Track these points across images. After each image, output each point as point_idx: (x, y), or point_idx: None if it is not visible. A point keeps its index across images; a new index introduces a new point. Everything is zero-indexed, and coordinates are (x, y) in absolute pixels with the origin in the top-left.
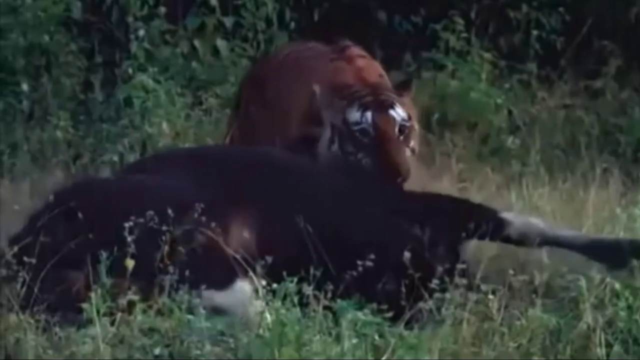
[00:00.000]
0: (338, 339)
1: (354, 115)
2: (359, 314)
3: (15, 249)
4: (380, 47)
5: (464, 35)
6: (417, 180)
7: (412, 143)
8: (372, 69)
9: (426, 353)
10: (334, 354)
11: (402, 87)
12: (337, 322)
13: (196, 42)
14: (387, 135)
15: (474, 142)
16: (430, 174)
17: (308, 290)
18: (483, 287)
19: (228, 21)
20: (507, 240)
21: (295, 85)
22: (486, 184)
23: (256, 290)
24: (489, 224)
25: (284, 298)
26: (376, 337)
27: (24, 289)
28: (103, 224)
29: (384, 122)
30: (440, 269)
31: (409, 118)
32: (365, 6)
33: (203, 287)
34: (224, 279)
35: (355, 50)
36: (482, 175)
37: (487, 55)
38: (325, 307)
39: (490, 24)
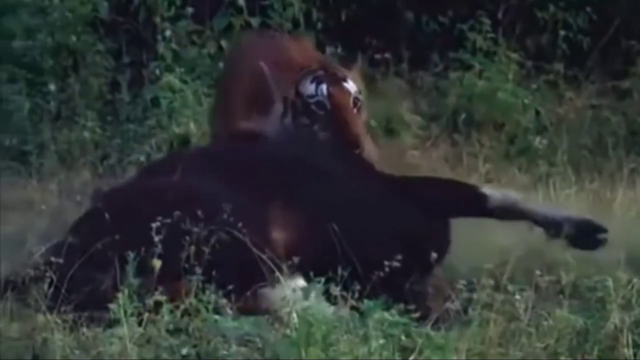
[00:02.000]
0: (365, 339)
1: (309, 87)
2: (386, 314)
3: (43, 249)
4: (407, 48)
5: (491, 35)
6: None
7: (364, 116)
8: (311, 48)
9: (453, 353)
10: (361, 354)
11: (348, 62)
12: (364, 323)
13: (223, 43)
14: (344, 107)
15: (501, 142)
16: (457, 174)
17: (335, 290)
18: (510, 288)
19: (255, 21)
20: (488, 214)
21: (238, 72)
22: (513, 184)
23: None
24: (470, 200)
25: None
26: (403, 337)
27: (52, 289)
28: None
29: (339, 94)
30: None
31: (360, 92)
32: (392, 6)
33: (257, 286)
34: (273, 277)
35: (292, 36)
36: (509, 176)
37: (515, 56)
38: (353, 307)
39: (518, 24)
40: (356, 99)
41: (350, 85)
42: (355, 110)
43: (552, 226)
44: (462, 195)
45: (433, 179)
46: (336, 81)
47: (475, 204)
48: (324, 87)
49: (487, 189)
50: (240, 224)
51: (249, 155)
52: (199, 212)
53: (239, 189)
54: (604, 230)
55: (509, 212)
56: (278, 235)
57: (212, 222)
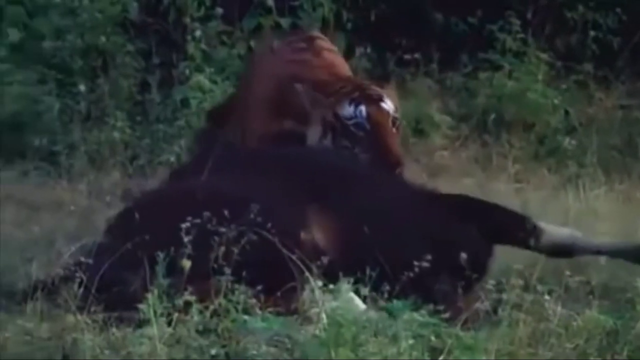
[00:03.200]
0: (394, 339)
1: (347, 109)
2: (416, 315)
3: (73, 249)
4: (437, 48)
5: (521, 35)
6: (473, 181)
7: (401, 134)
8: (341, 63)
9: (482, 354)
10: (390, 355)
11: (382, 80)
12: (393, 323)
13: (252, 43)
14: (384, 127)
15: (530, 142)
16: (487, 174)
17: (364, 290)
18: (539, 288)
19: (285, 22)
20: (542, 249)
21: (259, 77)
22: (542, 184)
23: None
24: (525, 230)
25: (341, 299)
26: (432, 337)
27: (82, 289)
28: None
29: (378, 114)
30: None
31: (396, 110)
32: (421, 7)
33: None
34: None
35: (323, 43)
36: (538, 176)
37: (544, 56)
38: (382, 308)
39: (547, 24)
40: (394, 118)
41: (388, 105)
42: (394, 130)
43: (615, 255)
44: (517, 226)
45: (491, 204)
46: (374, 102)
47: (529, 238)
48: (362, 108)
49: (542, 223)
50: (270, 225)
51: (282, 156)
52: (228, 213)
53: (272, 190)
54: None
55: (562, 251)
56: (309, 236)
57: (242, 223)
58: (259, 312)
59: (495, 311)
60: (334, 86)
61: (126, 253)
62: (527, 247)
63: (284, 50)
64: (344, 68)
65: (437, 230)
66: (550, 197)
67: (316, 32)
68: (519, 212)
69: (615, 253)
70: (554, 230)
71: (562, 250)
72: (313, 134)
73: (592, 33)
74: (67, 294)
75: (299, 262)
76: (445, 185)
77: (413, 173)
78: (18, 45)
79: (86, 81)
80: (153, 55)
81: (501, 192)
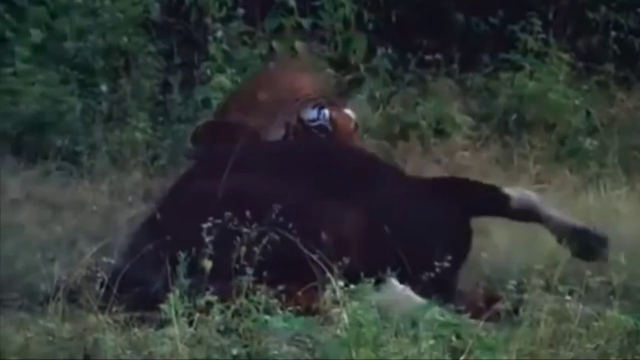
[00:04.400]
0: (415, 339)
1: (310, 112)
2: (437, 315)
3: (95, 249)
4: (458, 48)
5: (542, 36)
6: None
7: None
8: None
9: (503, 354)
10: (411, 355)
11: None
12: (414, 323)
13: (274, 44)
14: (346, 129)
15: (551, 143)
16: (508, 175)
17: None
18: (560, 288)
19: (306, 22)
20: (509, 215)
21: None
22: (564, 185)
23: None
24: (492, 199)
25: (362, 299)
26: (453, 338)
27: (103, 289)
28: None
29: (341, 117)
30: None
31: (357, 126)
32: (442, 7)
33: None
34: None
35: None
36: (559, 177)
37: (565, 56)
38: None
39: (569, 25)
40: (356, 124)
41: (350, 112)
42: (355, 135)
43: (561, 236)
44: (485, 196)
45: (455, 179)
46: (337, 107)
47: (498, 205)
48: (326, 111)
49: (508, 190)
50: (291, 224)
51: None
52: (251, 213)
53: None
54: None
55: (527, 215)
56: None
57: (264, 222)
58: (280, 312)
59: (516, 311)
60: (299, 94)
61: (161, 251)
62: (500, 215)
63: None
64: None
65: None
66: (571, 197)
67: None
68: (489, 183)
69: (572, 232)
70: (522, 195)
71: (529, 216)
72: (275, 137)
73: (613, 34)
74: (89, 294)
75: (320, 262)
76: None
77: (434, 173)
78: (40, 45)
79: (108, 81)
80: (174, 56)
81: None
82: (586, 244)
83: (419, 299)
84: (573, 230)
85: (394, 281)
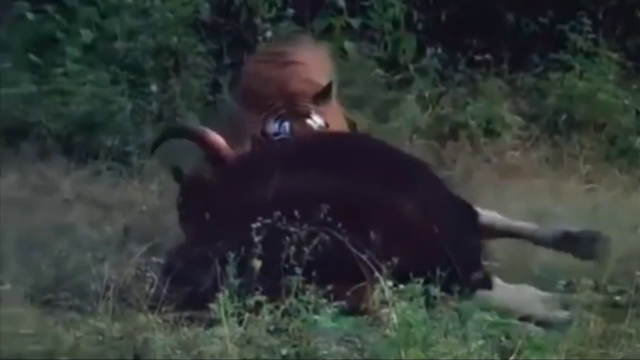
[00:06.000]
0: (464, 340)
1: (272, 126)
2: (486, 315)
3: (145, 249)
4: (507, 48)
5: (592, 36)
6: (544, 181)
7: None
8: (298, 75)
9: (553, 354)
10: (460, 355)
11: (320, 96)
12: (463, 323)
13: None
14: None
15: (601, 143)
16: (558, 175)
17: (435, 291)
18: (610, 289)
19: (355, 23)
20: (478, 232)
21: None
22: (614, 185)
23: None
24: (465, 216)
25: (411, 299)
26: (502, 338)
27: (153, 289)
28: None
29: (301, 130)
30: None
31: (327, 125)
32: (492, 7)
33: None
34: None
35: (293, 56)
36: (609, 176)
37: (615, 56)
38: (452, 308)
39: (618, 24)
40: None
41: (315, 121)
42: None
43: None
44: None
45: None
46: (300, 117)
47: (469, 221)
48: (286, 124)
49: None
50: (340, 224)
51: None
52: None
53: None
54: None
55: (494, 231)
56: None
57: (313, 222)
58: (329, 311)
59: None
60: (267, 102)
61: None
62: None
63: (252, 62)
64: (297, 81)
65: None
66: (621, 197)
67: (304, 41)
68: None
69: (536, 239)
70: (485, 212)
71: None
72: (244, 150)
73: None
74: (139, 294)
75: (369, 262)
76: (516, 186)
77: (484, 173)
78: (91, 45)
79: (158, 81)
80: (224, 56)
81: (572, 192)
82: (576, 246)
83: (540, 294)
84: (556, 237)
85: (500, 281)
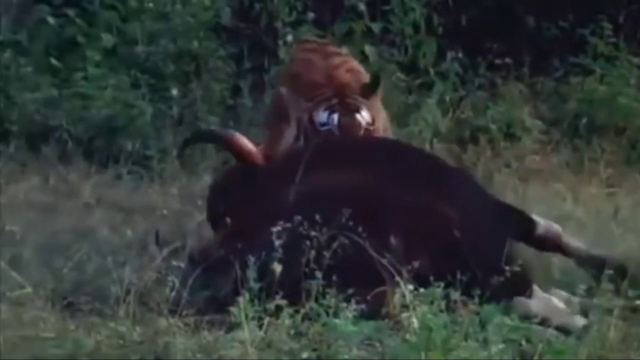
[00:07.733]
0: (485, 344)
1: (321, 115)
2: (506, 319)
3: (165, 252)
4: (528, 52)
5: (613, 40)
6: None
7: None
8: (344, 66)
9: (573, 358)
10: (481, 359)
11: (368, 89)
12: (483, 327)
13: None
14: None
15: (622, 147)
16: (579, 179)
17: (455, 295)
18: (630, 292)
19: (376, 27)
20: (533, 242)
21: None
22: (635, 189)
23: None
24: (521, 224)
25: (431, 303)
26: (523, 342)
27: (174, 293)
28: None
29: (350, 124)
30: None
31: (373, 122)
32: (513, 11)
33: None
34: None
35: (335, 49)
36: (630, 181)
37: (636, 60)
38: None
39: (639, 28)
40: (367, 130)
41: (363, 116)
42: None
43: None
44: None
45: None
46: (349, 111)
47: (526, 230)
48: (335, 116)
49: (534, 215)
50: (360, 228)
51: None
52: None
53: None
54: None
55: (550, 244)
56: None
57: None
58: (349, 315)
59: (586, 315)
60: (316, 91)
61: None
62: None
63: (299, 48)
64: (344, 72)
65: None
66: None
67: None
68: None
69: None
70: (543, 222)
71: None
72: (289, 134)
73: None
74: (160, 298)
75: (389, 266)
76: (537, 190)
77: (504, 177)
78: (111, 50)
79: (178, 86)
80: (245, 60)
81: (593, 196)
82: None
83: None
84: (592, 259)
85: (538, 289)
